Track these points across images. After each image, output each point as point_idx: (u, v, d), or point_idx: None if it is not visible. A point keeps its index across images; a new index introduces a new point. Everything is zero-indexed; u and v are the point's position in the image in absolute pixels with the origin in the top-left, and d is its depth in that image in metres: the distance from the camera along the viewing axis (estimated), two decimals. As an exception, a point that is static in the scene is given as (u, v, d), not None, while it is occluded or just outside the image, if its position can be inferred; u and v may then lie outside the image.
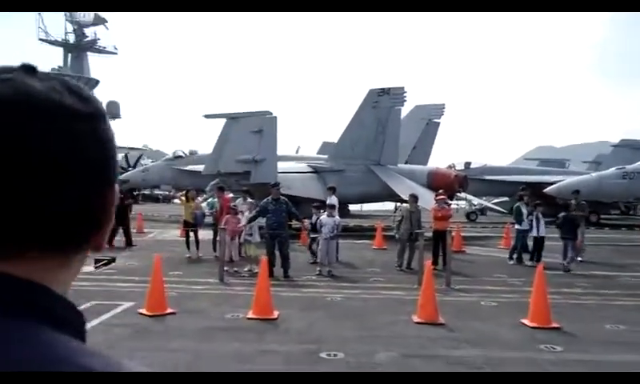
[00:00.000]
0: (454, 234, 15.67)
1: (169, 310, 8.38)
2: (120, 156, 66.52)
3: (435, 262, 13.24)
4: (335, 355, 6.46)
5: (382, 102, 22.55)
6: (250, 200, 13.66)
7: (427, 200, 19.90)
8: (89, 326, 6.07)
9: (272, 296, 9.11)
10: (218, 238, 13.25)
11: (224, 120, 21.18)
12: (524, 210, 15.05)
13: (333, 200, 16.08)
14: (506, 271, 13.61)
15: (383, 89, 22.56)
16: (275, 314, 8.35)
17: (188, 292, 10.19)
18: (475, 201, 32.39)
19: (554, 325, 8.09)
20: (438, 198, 14.44)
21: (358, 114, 23.31)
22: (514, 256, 14.99)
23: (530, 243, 15.10)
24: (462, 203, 32.41)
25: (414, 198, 14.12)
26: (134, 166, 45.76)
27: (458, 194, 25.48)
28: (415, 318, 8.29)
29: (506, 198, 34.60)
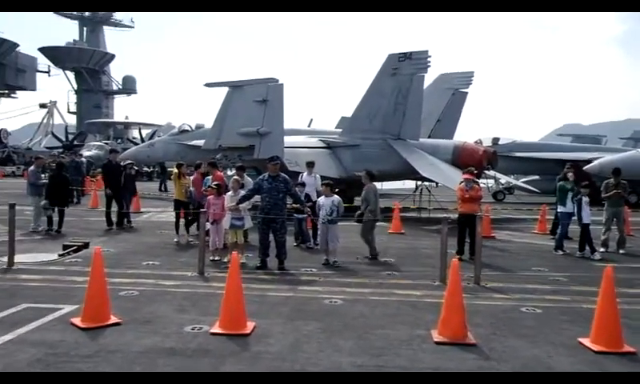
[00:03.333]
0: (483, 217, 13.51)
1: (112, 320, 6.39)
2: (134, 131, 65.33)
3: (460, 252, 11.39)
4: (317, 405, 4.43)
5: (403, 69, 20.10)
6: (235, 178, 11.52)
7: (452, 178, 17.64)
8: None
9: (253, 299, 7.12)
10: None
11: (226, 89, 19.09)
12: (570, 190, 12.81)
13: (308, 179, 14.00)
14: (546, 263, 11.39)
15: (404, 53, 20.07)
16: (250, 326, 6.31)
17: (154, 290, 8.23)
18: (503, 179, 29.86)
19: (627, 348, 5.93)
20: (465, 176, 12.22)
21: (375, 83, 20.93)
22: (560, 245, 12.77)
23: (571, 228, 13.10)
24: (490, 182, 29.84)
25: (367, 175, 11.92)
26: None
27: (486, 172, 23.06)
28: (436, 335, 6.19)
29: (536, 177, 32.14)
